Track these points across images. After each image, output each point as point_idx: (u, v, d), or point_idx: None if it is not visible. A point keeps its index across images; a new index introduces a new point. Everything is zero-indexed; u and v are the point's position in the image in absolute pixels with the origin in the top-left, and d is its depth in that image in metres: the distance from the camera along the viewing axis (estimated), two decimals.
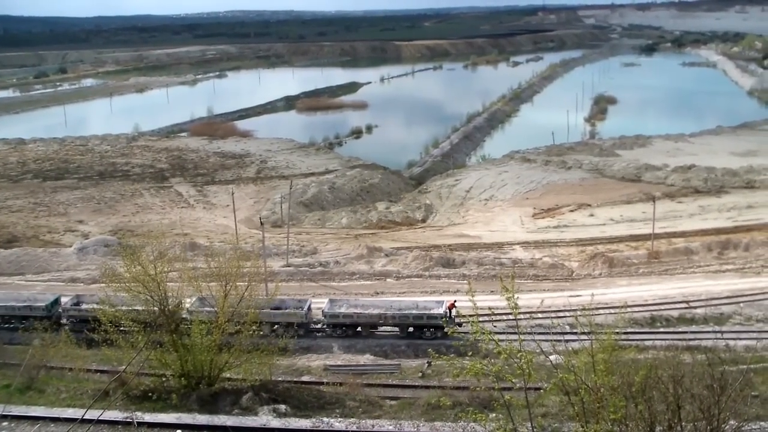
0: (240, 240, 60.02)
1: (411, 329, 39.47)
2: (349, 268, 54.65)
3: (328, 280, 51.96)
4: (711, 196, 77.38)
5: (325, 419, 23.26)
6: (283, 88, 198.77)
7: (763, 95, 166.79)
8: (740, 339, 36.82)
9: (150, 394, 24.56)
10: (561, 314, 41.01)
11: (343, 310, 40.31)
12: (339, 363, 35.03)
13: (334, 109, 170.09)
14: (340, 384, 28.43)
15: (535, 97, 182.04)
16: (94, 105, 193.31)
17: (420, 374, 32.52)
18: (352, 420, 23.39)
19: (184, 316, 28.64)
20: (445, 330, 35.72)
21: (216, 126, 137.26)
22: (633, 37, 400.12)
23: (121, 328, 25.42)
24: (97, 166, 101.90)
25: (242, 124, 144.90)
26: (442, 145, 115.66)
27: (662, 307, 42.74)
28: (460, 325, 35.79)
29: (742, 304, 42.70)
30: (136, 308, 26.25)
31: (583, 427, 14.67)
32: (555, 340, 25.15)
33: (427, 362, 33.16)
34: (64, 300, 42.42)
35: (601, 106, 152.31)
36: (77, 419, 21.12)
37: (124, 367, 23.05)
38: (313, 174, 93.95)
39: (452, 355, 17.01)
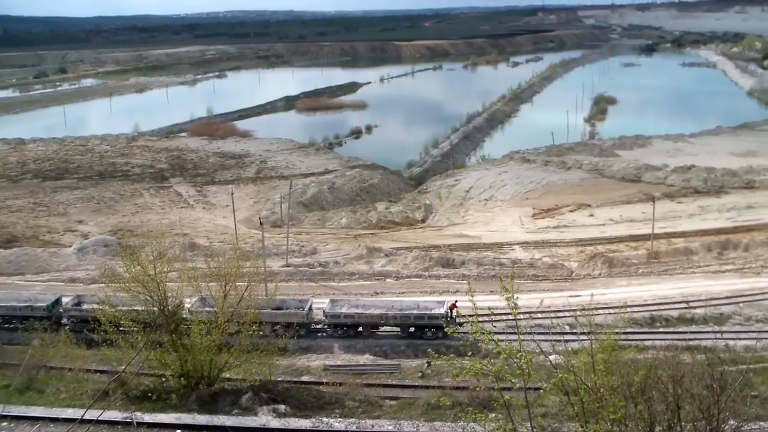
0: (240, 240, 60.02)
1: (412, 329, 39.47)
2: (349, 268, 54.64)
3: (328, 280, 51.95)
4: (711, 197, 77.40)
5: (325, 419, 23.27)
6: (283, 88, 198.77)
7: (763, 95, 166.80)
8: (740, 339, 36.81)
9: (149, 394, 24.57)
10: (560, 314, 41.00)
11: (344, 310, 40.29)
12: (338, 363, 35.02)
13: (334, 109, 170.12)
14: (340, 384, 28.42)
15: (535, 98, 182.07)
16: (94, 105, 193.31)
17: (420, 374, 32.51)
18: (351, 420, 23.40)
19: (185, 316, 28.65)
20: (445, 330, 35.70)
21: (216, 126, 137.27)
22: (633, 38, 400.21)
23: (121, 329, 25.43)
24: (97, 166, 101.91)
25: (242, 124, 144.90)
26: (442, 146, 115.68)
27: (662, 307, 42.73)
28: (460, 325, 35.77)
29: (741, 305, 42.70)
30: (135, 308, 26.25)
31: (582, 427, 14.67)
32: (554, 340, 25.21)
33: (427, 362, 33.16)
34: (65, 300, 42.38)
35: (601, 106, 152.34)
36: (77, 419, 21.12)
37: (123, 367, 23.05)
38: (312, 174, 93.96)
39: (452, 355, 16.99)
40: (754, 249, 55.81)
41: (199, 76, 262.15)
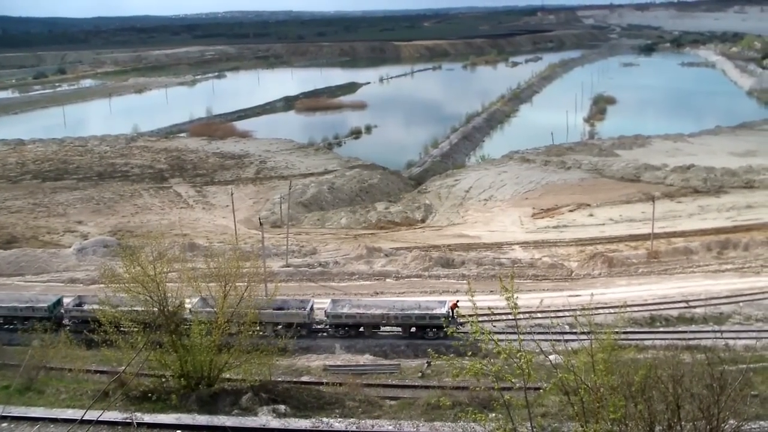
0: (239, 240, 60.00)
1: (413, 329, 39.47)
2: (349, 268, 54.64)
3: (328, 280, 51.95)
4: (710, 196, 77.42)
5: (325, 419, 23.29)
6: (282, 89, 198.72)
7: (762, 95, 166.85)
8: (740, 338, 36.82)
9: (149, 394, 24.59)
10: (560, 314, 41.01)
11: (345, 310, 40.28)
12: (338, 363, 35.02)
13: (333, 109, 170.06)
14: (340, 384, 28.43)
15: (535, 98, 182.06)
16: (93, 105, 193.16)
17: (419, 374, 32.52)
18: (351, 420, 23.42)
19: (186, 316, 28.66)
20: (445, 330, 35.70)
21: (215, 126, 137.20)
22: (632, 38, 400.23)
23: (121, 329, 25.43)
24: (97, 166, 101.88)
25: (241, 125, 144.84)
26: (442, 146, 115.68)
27: (662, 306, 42.74)
28: (462, 325, 35.75)
29: (741, 304, 42.70)
30: (135, 309, 26.25)
31: (582, 426, 14.68)
32: (554, 340, 25.24)
33: (427, 362, 33.16)
34: (66, 301, 42.38)
35: (600, 106, 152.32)
36: (77, 420, 21.12)
37: (123, 367, 23.06)
38: (312, 174, 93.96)
39: (452, 355, 17.00)
40: (753, 248, 55.83)
41: (199, 77, 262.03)
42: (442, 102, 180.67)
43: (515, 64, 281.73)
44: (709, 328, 39.25)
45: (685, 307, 42.52)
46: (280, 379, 28.27)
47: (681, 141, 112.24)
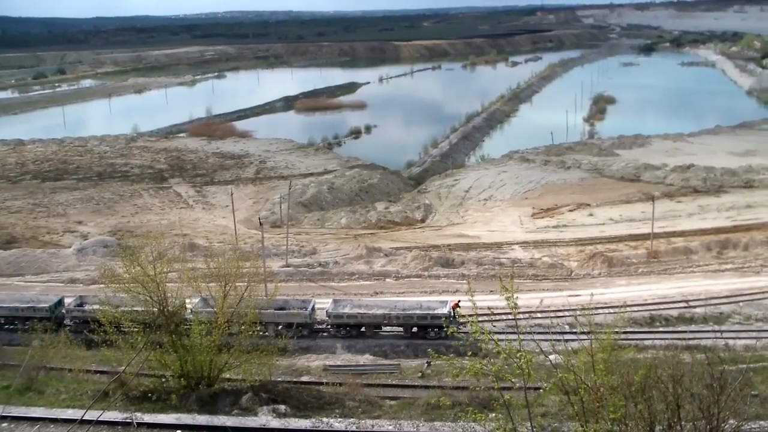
0: (239, 240, 59.98)
1: (415, 329, 39.47)
2: (349, 268, 54.64)
3: (328, 280, 51.94)
4: (710, 196, 77.43)
5: (325, 419, 23.30)
6: (282, 89, 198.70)
7: (762, 95, 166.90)
8: (739, 338, 36.83)
9: (149, 394, 24.61)
10: (560, 314, 41.02)
11: (347, 310, 40.27)
12: (338, 363, 35.03)
13: (333, 109, 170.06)
14: (340, 384, 28.43)
15: (534, 97, 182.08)
16: (93, 106, 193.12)
17: (419, 374, 32.53)
18: (351, 420, 23.44)
19: (187, 316, 28.66)
20: (446, 329, 35.71)
21: (215, 126, 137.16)
22: (632, 37, 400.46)
23: (121, 329, 25.44)
24: (96, 166, 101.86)
25: (241, 125, 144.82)
26: (441, 145, 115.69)
27: (661, 306, 42.74)
28: (462, 324, 35.74)
29: (741, 304, 42.70)
30: (135, 309, 26.25)
31: (582, 426, 14.69)
32: (554, 340, 25.25)
33: (427, 362, 33.17)
34: (67, 301, 42.39)
35: (600, 105, 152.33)
36: (77, 420, 21.14)
37: (123, 367, 23.06)
38: (312, 174, 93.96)
39: (452, 355, 17.01)
40: (753, 248, 55.84)
41: (198, 77, 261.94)
42: (441, 102, 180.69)
43: (515, 63, 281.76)
44: (709, 328, 39.23)
45: (685, 307, 42.52)
46: (280, 379, 28.28)
47: (681, 141, 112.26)
